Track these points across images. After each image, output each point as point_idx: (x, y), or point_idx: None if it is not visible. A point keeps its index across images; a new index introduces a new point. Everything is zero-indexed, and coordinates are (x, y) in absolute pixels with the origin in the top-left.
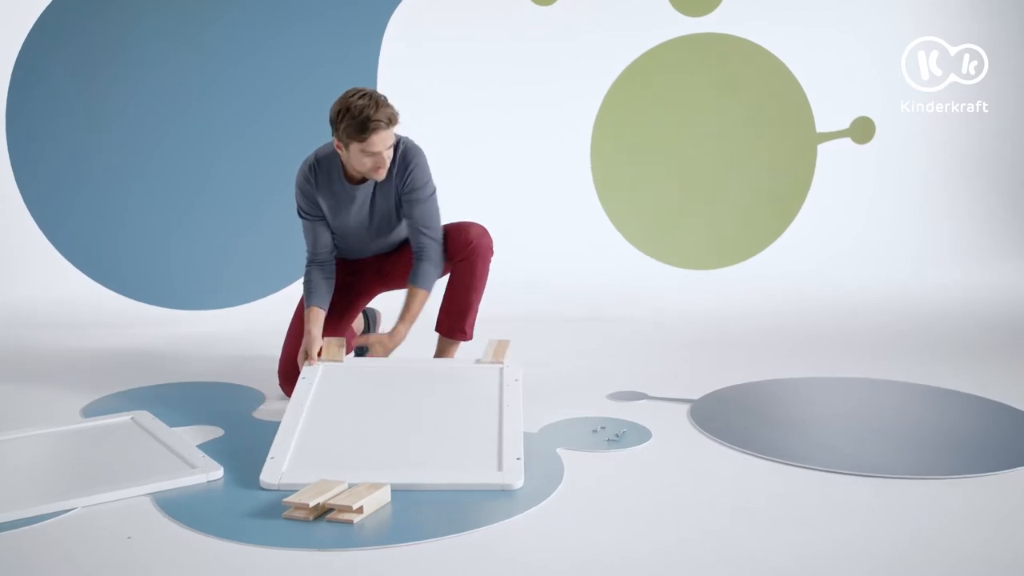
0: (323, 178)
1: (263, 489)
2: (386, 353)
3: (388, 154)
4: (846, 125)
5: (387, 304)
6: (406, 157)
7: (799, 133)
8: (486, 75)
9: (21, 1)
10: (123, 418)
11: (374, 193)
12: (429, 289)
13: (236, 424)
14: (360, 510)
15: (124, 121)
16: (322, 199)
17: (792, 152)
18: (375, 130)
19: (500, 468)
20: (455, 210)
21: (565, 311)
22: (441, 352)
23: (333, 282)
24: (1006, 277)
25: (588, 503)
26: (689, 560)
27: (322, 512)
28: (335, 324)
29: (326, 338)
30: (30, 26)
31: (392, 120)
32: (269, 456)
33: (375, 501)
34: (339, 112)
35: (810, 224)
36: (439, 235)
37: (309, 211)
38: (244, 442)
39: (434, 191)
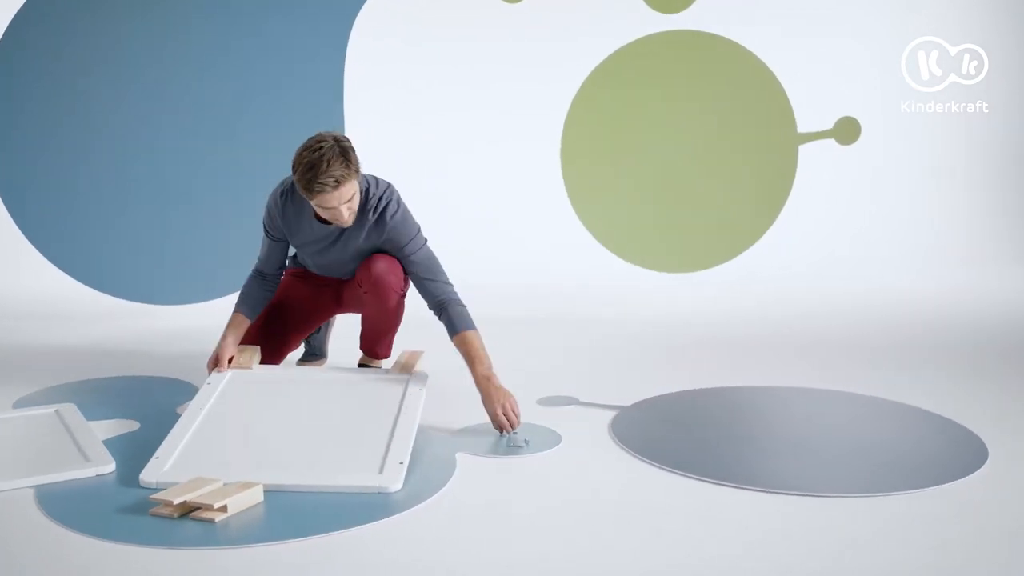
0: (293, 208)
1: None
2: (492, 409)
3: (347, 207)
4: (830, 125)
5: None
6: (382, 217)
7: (779, 133)
8: (451, 75)
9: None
10: (47, 410)
11: (339, 236)
12: (472, 326)
13: (155, 419)
14: (223, 509)
15: (102, 118)
16: (287, 226)
17: (772, 153)
18: (320, 192)
19: (381, 471)
20: (426, 211)
21: (536, 313)
22: (366, 359)
23: (270, 297)
24: (1008, 280)
25: (464, 508)
26: (555, 569)
27: (189, 510)
28: (285, 336)
29: (240, 345)
30: (8, 21)
31: (341, 181)
32: (154, 456)
33: (243, 500)
34: (294, 164)
35: (792, 227)
36: (447, 278)
37: (271, 231)
38: (155, 437)
39: (425, 241)
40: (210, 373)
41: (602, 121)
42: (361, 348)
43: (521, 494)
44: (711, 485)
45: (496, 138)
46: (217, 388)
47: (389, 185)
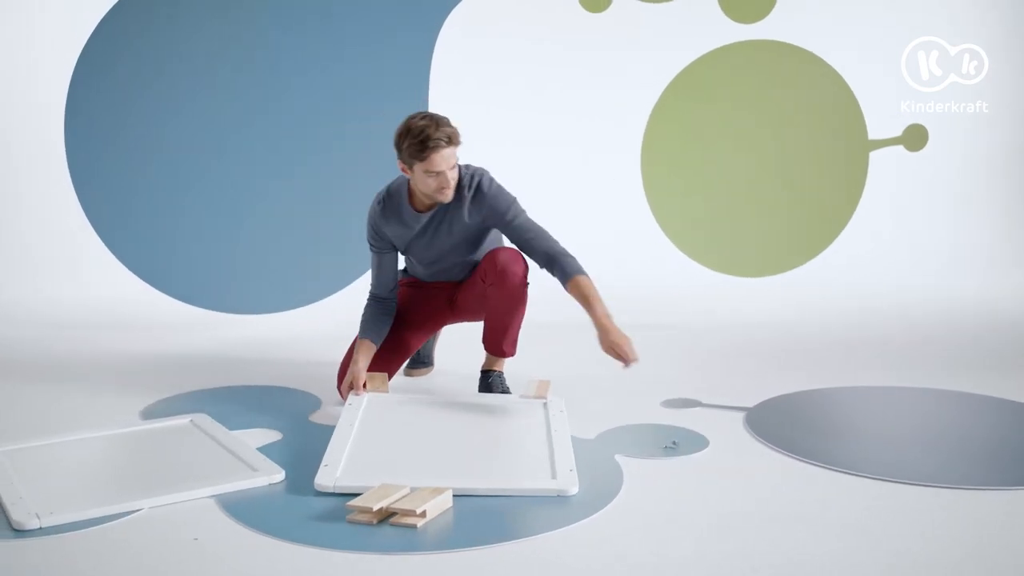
0: (392, 208)
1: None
2: (611, 340)
3: (452, 174)
4: (898, 132)
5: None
6: (480, 190)
7: (850, 140)
8: (533, 83)
9: (85, 2)
10: (182, 420)
11: (441, 221)
12: (584, 272)
13: (294, 428)
14: (424, 514)
15: (180, 125)
16: (389, 229)
17: (842, 160)
18: (435, 148)
19: (554, 476)
20: None
21: (615, 318)
22: (488, 364)
23: (391, 319)
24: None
25: (648, 511)
26: (748, 569)
27: (386, 516)
28: (399, 344)
29: (370, 372)
30: (92, 28)
31: (452, 139)
32: (323, 463)
33: (438, 505)
34: (401, 134)
35: (861, 232)
36: (548, 234)
37: (375, 242)
38: (302, 446)
39: (522, 210)
40: (345, 396)
41: (681, 129)
42: (486, 348)
43: (697, 496)
44: (876, 481)
45: (576, 143)
46: (360, 408)
47: (480, 167)
